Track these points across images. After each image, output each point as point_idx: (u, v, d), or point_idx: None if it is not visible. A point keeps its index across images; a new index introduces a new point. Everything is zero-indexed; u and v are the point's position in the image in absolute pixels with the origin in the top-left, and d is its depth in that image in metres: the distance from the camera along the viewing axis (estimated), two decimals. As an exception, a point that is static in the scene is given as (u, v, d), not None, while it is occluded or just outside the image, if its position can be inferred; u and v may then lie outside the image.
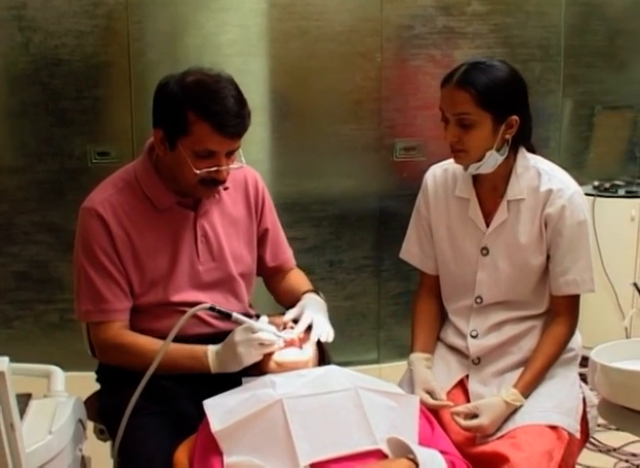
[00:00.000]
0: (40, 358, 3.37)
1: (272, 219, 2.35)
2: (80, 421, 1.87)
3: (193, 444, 1.85)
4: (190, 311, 1.92)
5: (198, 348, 2.02)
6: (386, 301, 3.70)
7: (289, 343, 1.99)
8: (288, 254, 2.41)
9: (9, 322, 3.39)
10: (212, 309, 1.94)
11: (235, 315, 1.95)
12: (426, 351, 2.23)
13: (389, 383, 1.97)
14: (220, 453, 1.73)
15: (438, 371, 2.20)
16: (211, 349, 2.00)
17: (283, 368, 1.94)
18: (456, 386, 2.18)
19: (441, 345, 2.28)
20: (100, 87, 3.26)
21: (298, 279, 2.36)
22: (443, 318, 2.32)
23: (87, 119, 3.26)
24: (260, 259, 2.35)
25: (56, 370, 1.94)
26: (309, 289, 2.24)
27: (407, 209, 3.59)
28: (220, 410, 1.81)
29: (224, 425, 1.74)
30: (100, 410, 2.19)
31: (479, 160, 2.07)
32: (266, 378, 1.89)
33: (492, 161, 2.07)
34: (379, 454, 1.70)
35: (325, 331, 2.04)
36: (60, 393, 1.88)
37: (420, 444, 1.78)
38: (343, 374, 1.89)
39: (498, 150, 2.06)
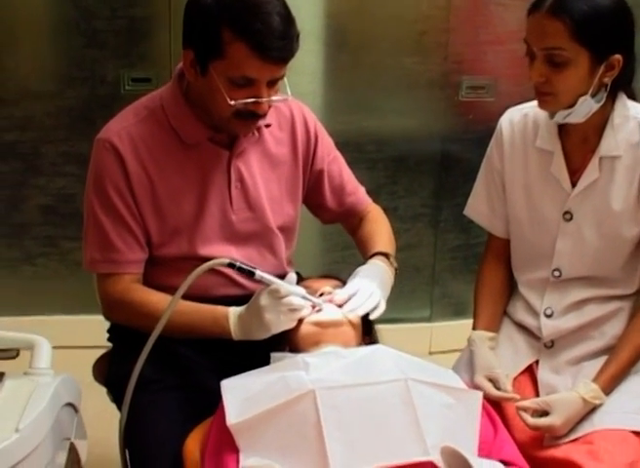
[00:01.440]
0: (65, 299, 3.23)
1: (330, 159, 1.99)
2: (71, 405, 1.55)
3: (207, 432, 1.53)
4: (203, 266, 1.59)
5: (219, 309, 1.71)
6: (443, 255, 3.35)
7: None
8: (357, 196, 2.04)
9: (33, 259, 3.16)
10: (231, 266, 1.60)
11: (259, 273, 1.62)
12: (491, 329, 1.88)
13: (446, 370, 1.62)
14: (236, 450, 1.41)
15: (503, 354, 1.85)
16: (233, 312, 1.69)
17: (320, 327, 1.63)
18: (523, 373, 1.83)
19: (508, 322, 1.93)
20: (136, 5, 2.95)
21: (372, 231, 1.98)
22: (511, 289, 1.95)
23: (121, 41, 2.97)
24: (323, 207, 2.02)
25: (40, 341, 1.60)
26: (379, 250, 1.87)
27: (471, 154, 3.29)
28: (239, 396, 1.49)
29: (243, 417, 1.42)
30: (109, 379, 1.89)
31: (569, 106, 1.67)
32: (299, 358, 1.55)
33: (585, 108, 1.67)
34: (430, 467, 1.35)
35: (368, 303, 1.68)
36: (44, 371, 1.55)
37: (480, 448, 1.44)
38: (391, 358, 1.55)
39: (593, 96, 1.66)
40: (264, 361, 1.68)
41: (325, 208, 2.01)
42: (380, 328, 1.80)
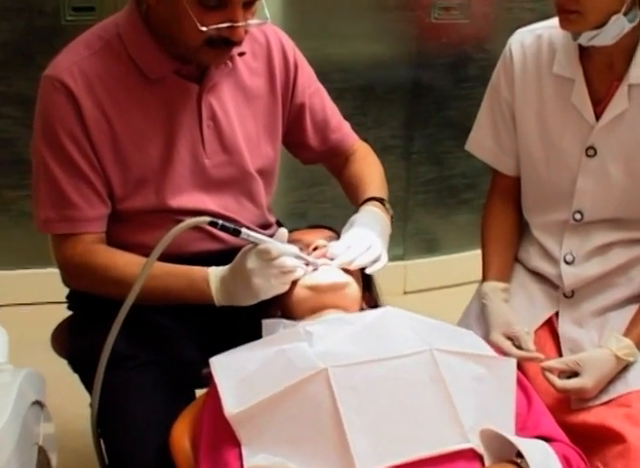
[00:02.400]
0: (10, 253, 2.90)
1: (312, 91, 1.72)
2: (37, 403, 1.28)
3: (198, 418, 1.30)
4: (179, 226, 1.34)
5: (197, 271, 1.46)
6: (416, 189, 3.15)
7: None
8: (342, 133, 1.78)
9: (-29, 210, 2.88)
10: (213, 224, 1.35)
11: (246, 232, 1.37)
12: (503, 279, 1.67)
13: (468, 333, 1.41)
14: (237, 444, 1.18)
15: (518, 306, 1.64)
16: (213, 273, 1.44)
17: (317, 291, 1.39)
18: (541, 327, 1.63)
19: (521, 270, 1.72)
20: None
21: (361, 173, 1.73)
22: (521, 232, 1.74)
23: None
24: (304, 146, 1.75)
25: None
26: (373, 195, 1.63)
27: (444, 80, 3.07)
28: (233, 377, 1.26)
29: (243, 406, 1.18)
30: (72, 353, 1.63)
31: (598, 26, 1.43)
32: (299, 327, 1.32)
33: (616, 29, 1.43)
34: (470, 455, 1.15)
35: (370, 255, 1.45)
36: (2, 367, 1.26)
37: (516, 422, 1.24)
38: (405, 321, 1.33)
39: (625, 14, 1.42)
40: (253, 327, 1.45)
41: (306, 146, 1.75)
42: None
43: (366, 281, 1.52)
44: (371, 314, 1.35)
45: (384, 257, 1.47)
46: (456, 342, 1.29)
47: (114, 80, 1.49)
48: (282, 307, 1.45)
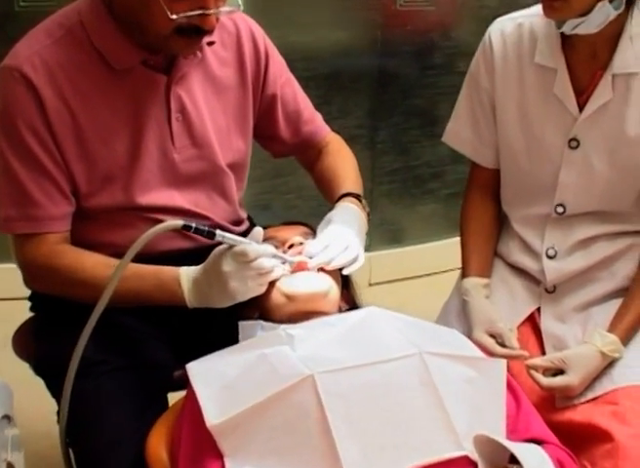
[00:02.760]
0: None
1: (283, 81, 1.65)
2: (5, 417, 1.20)
3: (176, 427, 1.23)
4: (149, 232, 1.26)
5: (167, 272, 1.38)
6: (381, 179, 3.09)
7: (298, 267, 1.36)
8: (314, 124, 1.71)
9: None
10: (186, 229, 1.28)
11: (221, 234, 1.30)
12: (484, 275, 1.63)
13: (452, 331, 1.36)
14: (219, 455, 1.11)
15: (499, 302, 1.60)
16: (185, 274, 1.36)
17: (294, 301, 1.33)
18: (523, 323, 1.59)
19: (501, 264, 1.67)
20: None
21: (335, 166, 1.66)
22: (501, 225, 1.69)
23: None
24: (275, 138, 1.68)
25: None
26: (349, 191, 1.56)
27: (410, 68, 3.00)
28: (214, 385, 1.19)
29: (225, 416, 1.12)
30: (37, 359, 1.54)
31: (582, 14, 1.38)
32: (280, 330, 1.26)
33: (601, 16, 1.39)
34: (464, 462, 1.10)
35: (348, 255, 1.39)
36: None
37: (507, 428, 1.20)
38: (389, 322, 1.27)
39: (611, 1, 1.38)
40: (227, 328, 1.39)
41: (278, 139, 1.69)
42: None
43: (343, 278, 1.46)
44: (354, 315, 1.30)
45: (362, 257, 1.42)
46: (443, 344, 1.25)
47: (77, 70, 1.40)
48: (259, 308, 1.39)
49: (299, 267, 1.36)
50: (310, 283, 1.34)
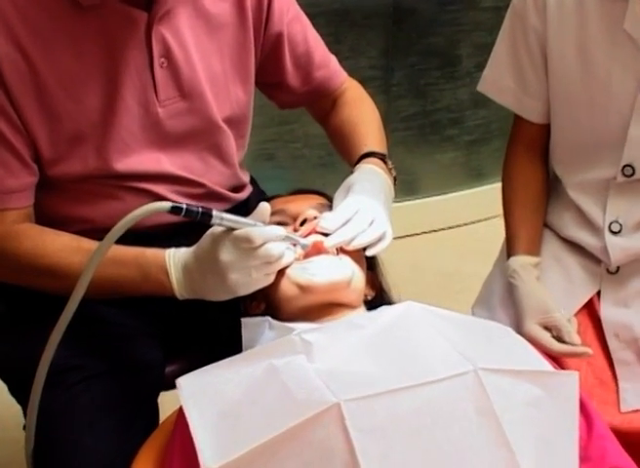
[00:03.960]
0: None
1: (291, 18, 1.35)
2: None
3: (167, 453, 0.97)
4: (128, 217, 0.98)
5: (151, 258, 1.11)
6: (396, 125, 2.78)
7: (313, 249, 1.08)
8: (328, 69, 1.41)
9: None
10: (175, 211, 0.99)
11: (218, 215, 1.01)
12: (533, 252, 1.34)
13: (506, 330, 1.07)
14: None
15: (553, 285, 1.31)
16: (173, 261, 1.09)
17: (309, 292, 1.06)
18: (580, 310, 1.31)
19: (553, 239, 1.38)
20: None
21: (354, 120, 1.37)
22: (549, 193, 1.40)
23: None
24: (282, 86, 1.39)
25: None
26: (372, 150, 1.27)
27: (427, 3, 2.71)
28: (210, 411, 0.92)
29: (227, 459, 0.84)
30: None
31: None
32: (294, 336, 0.98)
33: None
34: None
35: (373, 232, 1.11)
36: None
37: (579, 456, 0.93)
38: (430, 322, 0.99)
39: None
40: (227, 319, 1.14)
41: (285, 87, 1.39)
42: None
43: (368, 259, 1.18)
44: (386, 314, 1.02)
45: (390, 234, 1.13)
46: (500, 353, 0.97)
47: (35, 8, 1.09)
48: (267, 300, 1.12)
49: (313, 249, 1.08)
50: (328, 269, 1.07)
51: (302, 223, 1.12)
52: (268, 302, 1.11)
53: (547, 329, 1.22)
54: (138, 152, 1.20)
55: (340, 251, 1.09)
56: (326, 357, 0.95)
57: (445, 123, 2.87)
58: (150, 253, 1.11)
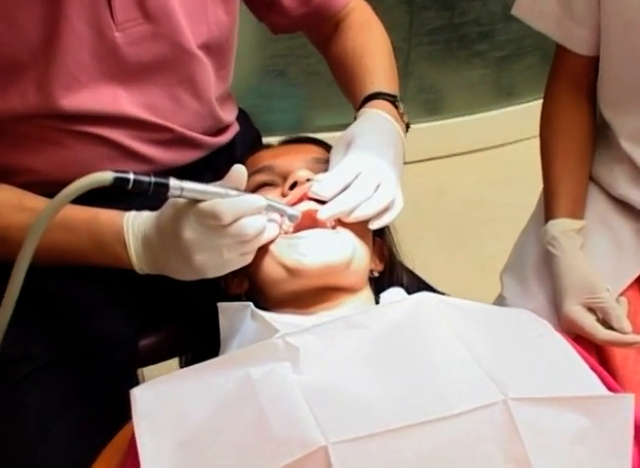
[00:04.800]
0: None
1: None
2: None
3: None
4: (63, 192, 0.76)
5: (105, 226, 0.88)
6: (420, 38, 2.53)
7: (304, 221, 0.85)
8: None
9: None
10: (119, 183, 0.76)
11: (177, 185, 0.78)
12: (577, 214, 1.10)
13: (543, 326, 0.83)
14: None
15: (598, 253, 1.08)
16: (132, 230, 0.87)
17: (298, 276, 0.83)
18: (631, 286, 1.07)
19: (600, 197, 1.14)
20: None
21: (360, 49, 1.11)
22: (596, 141, 1.16)
23: None
24: (275, 7, 1.12)
25: None
26: (380, 90, 1.02)
27: None
28: (166, 439, 0.70)
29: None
30: None
31: None
32: (278, 341, 0.75)
33: None
34: None
35: (379, 200, 0.87)
36: None
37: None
38: (447, 322, 0.76)
39: None
40: (208, 288, 0.91)
41: (279, 8, 1.12)
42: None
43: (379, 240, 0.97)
44: (393, 309, 0.78)
45: (400, 202, 0.89)
46: (536, 366, 0.74)
47: None
48: (249, 278, 0.89)
49: (304, 221, 0.85)
50: (322, 248, 0.84)
51: (293, 187, 0.88)
52: (251, 281, 0.89)
53: (591, 310, 0.99)
54: (88, 87, 0.95)
55: (338, 223, 0.86)
56: (316, 366, 0.73)
57: (474, 37, 2.62)
58: (105, 216, 0.88)
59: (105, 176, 0.75)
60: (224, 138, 1.12)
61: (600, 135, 1.15)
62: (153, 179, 0.76)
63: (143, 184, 0.76)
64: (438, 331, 0.74)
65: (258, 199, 0.80)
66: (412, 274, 1.02)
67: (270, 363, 0.74)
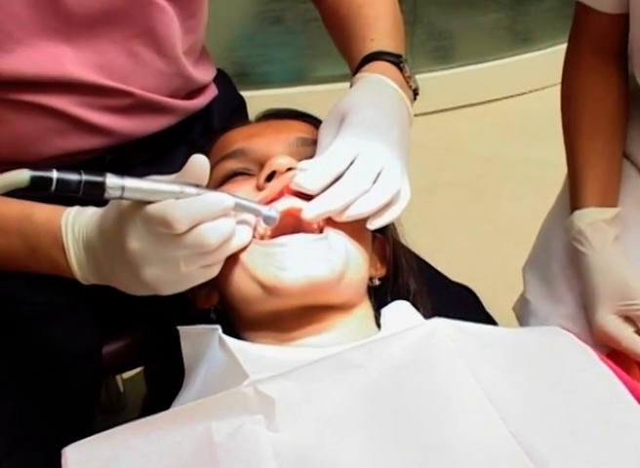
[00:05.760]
0: None
1: None
2: None
3: None
4: None
5: (38, 221, 0.71)
6: (427, -21, 2.38)
7: (284, 222, 0.68)
8: None
9: None
10: (39, 184, 0.58)
11: (117, 183, 0.60)
12: (609, 201, 0.93)
13: (582, 350, 0.66)
14: None
15: (633, 246, 0.91)
16: (72, 231, 0.69)
17: (276, 295, 0.66)
18: None
19: (636, 178, 0.97)
20: None
21: None
22: (629, 112, 0.98)
23: None
24: None
25: None
26: (382, 49, 0.84)
27: None
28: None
29: None
30: None
31: None
32: (247, 389, 0.58)
33: None
34: None
35: (379, 193, 0.69)
36: None
37: None
38: (465, 358, 0.59)
39: None
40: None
41: None
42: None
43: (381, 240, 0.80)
44: (397, 345, 0.60)
45: (406, 193, 0.71)
46: (579, 418, 0.57)
47: None
48: (219, 290, 0.73)
49: (285, 222, 0.68)
50: (306, 260, 0.66)
51: (271, 177, 0.70)
52: (222, 295, 0.72)
53: (629, 319, 0.84)
54: (25, 44, 0.78)
55: (328, 223, 0.68)
56: (296, 423, 0.57)
57: (487, -23, 2.46)
58: (40, 215, 0.71)
59: (21, 177, 0.57)
60: (198, 102, 0.94)
61: (634, 105, 0.97)
62: (84, 177, 0.58)
63: (71, 185, 0.58)
64: (454, 377, 0.57)
65: (222, 198, 0.62)
66: (419, 274, 0.84)
67: (239, 416, 0.57)
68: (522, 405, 0.55)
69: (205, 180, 0.63)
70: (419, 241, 0.85)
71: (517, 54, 2.53)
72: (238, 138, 0.77)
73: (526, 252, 1.03)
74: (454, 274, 0.95)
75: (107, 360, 0.93)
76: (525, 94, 2.52)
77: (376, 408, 0.57)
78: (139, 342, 0.96)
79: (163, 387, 0.80)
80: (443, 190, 2.11)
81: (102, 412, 1.29)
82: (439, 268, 0.94)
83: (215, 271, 0.65)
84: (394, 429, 0.55)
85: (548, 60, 2.34)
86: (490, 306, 0.94)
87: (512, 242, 1.83)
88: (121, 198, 0.60)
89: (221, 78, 1.03)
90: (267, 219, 0.66)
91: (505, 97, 2.52)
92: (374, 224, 0.69)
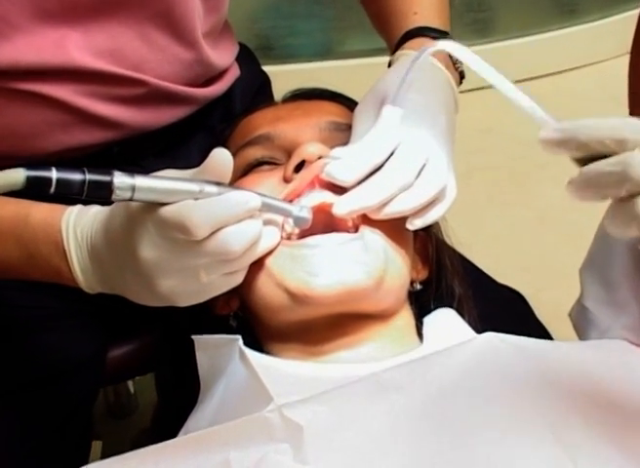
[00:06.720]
0: None
1: None
2: None
3: None
4: None
5: (35, 225, 0.65)
6: None
7: (318, 219, 0.63)
8: None
9: None
10: (34, 185, 0.52)
11: (125, 183, 0.54)
12: None
13: None
14: None
15: None
16: (74, 235, 0.63)
17: (306, 304, 0.60)
18: None
19: None
20: None
21: None
22: None
23: None
24: None
25: None
26: (425, 24, 0.77)
27: None
28: None
29: None
30: None
31: None
32: (271, 414, 0.53)
33: None
34: None
35: (424, 189, 0.62)
36: None
37: None
38: (527, 382, 0.52)
39: None
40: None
41: None
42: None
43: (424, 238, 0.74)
44: (443, 363, 0.55)
45: (453, 188, 0.65)
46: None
47: None
48: (240, 296, 0.67)
49: (315, 219, 0.62)
50: (340, 264, 0.60)
51: (300, 167, 0.64)
52: (243, 301, 0.66)
53: None
54: (23, 30, 0.72)
55: (364, 220, 0.62)
56: (328, 453, 0.51)
57: (532, -59, 2.36)
58: (39, 216, 0.65)
59: (16, 177, 0.51)
60: (218, 89, 0.88)
61: None
62: (88, 177, 0.53)
63: (73, 186, 0.52)
64: (510, 405, 0.51)
65: (247, 198, 0.56)
66: (464, 276, 0.77)
67: (262, 445, 0.52)
68: (594, 445, 0.49)
69: (227, 178, 0.56)
70: (453, 231, 0.79)
71: (563, 27, 2.43)
72: (263, 123, 0.70)
73: (569, 242, 0.96)
74: (492, 267, 0.89)
75: (113, 365, 0.88)
76: (571, 70, 2.40)
77: (419, 438, 0.51)
78: (147, 347, 0.91)
79: (175, 397, 0.75)
80: (479, 176, 2.05)
81: (112, 416, 1.25)
82: (476, 261, 0.89)
83: (239, 279, 0.60)
84: (441, 464, 0.49)
85: (597, 34, 2.27)
86: (530, 300, 0.89)
87: (556, 232, 1.77)
88: (131, 200, 0.54)
89: (244, 54, 0.97)
90: (298, 221, 0.60)
91: (549, 75, 2.42)
92: (415, 224, 0.63)
